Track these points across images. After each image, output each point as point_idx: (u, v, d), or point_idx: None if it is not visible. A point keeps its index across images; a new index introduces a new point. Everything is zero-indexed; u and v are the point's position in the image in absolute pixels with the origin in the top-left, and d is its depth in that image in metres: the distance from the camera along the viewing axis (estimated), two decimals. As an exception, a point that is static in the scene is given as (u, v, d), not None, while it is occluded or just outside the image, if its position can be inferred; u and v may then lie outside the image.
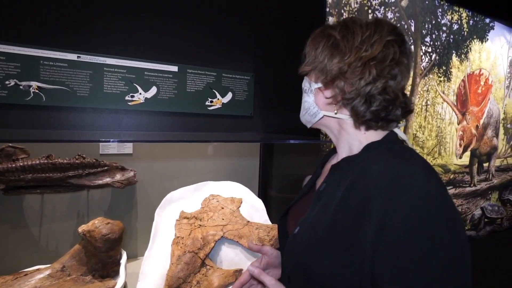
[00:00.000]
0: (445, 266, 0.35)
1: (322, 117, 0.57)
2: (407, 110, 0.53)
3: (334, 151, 0.67)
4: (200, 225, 1.08)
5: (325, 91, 0.55)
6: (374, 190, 0.42)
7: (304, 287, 0.48)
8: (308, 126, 0.61)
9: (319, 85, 0.56)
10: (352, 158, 0.53)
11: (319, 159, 0.74)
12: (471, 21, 2.12)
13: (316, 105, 0.57)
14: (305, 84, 0.59)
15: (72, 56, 1.00)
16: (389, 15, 1.71)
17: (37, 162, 0.96)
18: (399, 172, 0.41)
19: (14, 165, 0.93)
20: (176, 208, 1.13)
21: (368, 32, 0.51)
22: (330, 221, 0.47)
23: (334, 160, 0.62)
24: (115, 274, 1.02)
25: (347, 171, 0.52)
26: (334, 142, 0.60)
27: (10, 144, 0.95)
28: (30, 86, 0.95)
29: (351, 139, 0.56)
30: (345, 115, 0.55)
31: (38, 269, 0.95)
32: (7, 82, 0.93)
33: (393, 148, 0.50)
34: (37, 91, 0.96)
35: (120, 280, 0.99)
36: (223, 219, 1.10)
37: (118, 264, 1.02)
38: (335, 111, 0.55)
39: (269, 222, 1.19)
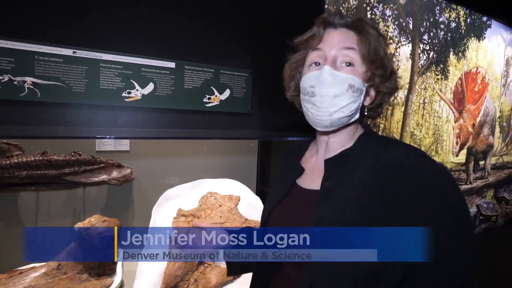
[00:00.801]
0: (469, 222, 0.51)
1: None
2: None
3: (299, 147, 0.68)
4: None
5: (369, 90, 0.55)
6: (399, 174, 0.49)
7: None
8: (330, 129, 0.56)
9: (367, 84, 0.54)
10: (348, 151, 0.56)
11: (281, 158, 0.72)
12: (468, 19, 2.13)
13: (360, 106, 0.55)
14: (356, 81, 0.52)
15: (68, 52, 0.99)
16: (388, 12, 1.71)
17: (32, 159, 0.94)
18: (419, 159, 0.50)
19: (8, 162, 0.92)
20: (173, 206, 1.13)
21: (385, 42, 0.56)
22: (359, 208, 0.50)
23: (318, 157, 0.61)
24: (111, 272, 1.01)
25: (350, 163, 0.54)
26: (331, 137, 0.59)
27: (4, 141, 0.94)
28: (24, 82, 0.94)
29: (351, 134, 0.58)
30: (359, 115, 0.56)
31: (33, 268, 0.94)
32: (0, 78, 0.91)
33: (382, 137, 0.58)
34: (31, 86, 0.95)
35: (117, 278, 0.98)
36: (221, 216, 1.10)
37: (115, 262, 1.01)
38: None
39: (267, 220, 1.19)
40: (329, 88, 0.52)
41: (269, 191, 1.43)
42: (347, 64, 0.53)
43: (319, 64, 0.54)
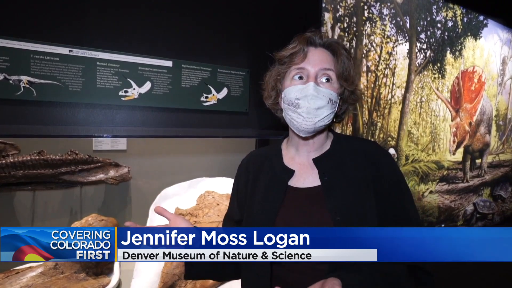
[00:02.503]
0: (410, 196, 0.67)
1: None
2: None
3: (265, 151, 0.75)
4: (195, 221, 1.07)
5: (339, 100, 0.66)
6: (370, 160, 0.65)
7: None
8: (313, 133, 0.66)
9: (339, 96, 0.65)
10: (330, 151, 0.68)
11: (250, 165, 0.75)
12: (465, 19, 2.14)
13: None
14: (333, 96, 0.63)
15: (64, 50, 0.98)
16: (385, 11, 1.72)
17: (28, 158, 0.94)
18: (376, 146, 0.69)
19: (4, 162, 0.91)
20: (170, 205, 1.13)
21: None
22: (360, 192, 0.61)
23: (301, 158, 0.68)
24: (109, 271, 1.02)
25: (334, 160, 0.66)
26: (310, 140, 0.67)
27: (0, 140, 0.93)
28: (20, 81, 0.93)
29: (325, 135, 0.69)
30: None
31: (30, 267, 0.94)
32: (-4, 76, 0.91)
33: (347, 136, 0.75)
34: (27, 85, 0.94)
35: (114, 278, 0.99)
36: (218, 215, 1.10)
37: (113, 261, 1.01)
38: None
39: (265, 218, 1.19)
40: (314, 101, 0.61)
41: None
42: (326, 80, 0.63)
43: (302, 78, 0.63)
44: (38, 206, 1.05)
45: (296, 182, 0.65)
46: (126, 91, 1.09)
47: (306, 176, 0.65)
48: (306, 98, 0.61)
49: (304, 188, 0.64)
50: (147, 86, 1.12)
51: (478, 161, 2.43)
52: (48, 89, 0.97)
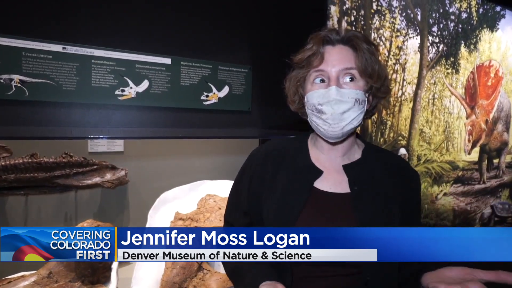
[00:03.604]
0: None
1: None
2: None
3: (284, 146, 0.72)
4: (196, 226, 1.05)
5: (368, 98, 0.63)
6: (401, 175, 0.67)
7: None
8: (342, 138, 0.63)
9: (366, 94, 0.62)
10: (361, 160, 0.66)
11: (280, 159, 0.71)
12: (480, 10, 2.06)
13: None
14: (359, 95, 0.59)
15: (57, 48, 0.95)
16: (395, 3, 1.66)
17: (21, 161, 0.92)
18: (407, 164, 0.73)
19: (-6, 165, 0.89)
20: (170, 209, 1.11)
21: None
22: (387, 206, 0.62)
23: (330, 161, 0.66)
24: (106, 280, 0.98)
25: (364, 170, 0.65)
26: (333, 144, 0.66)
27: (-9, 142, 0.91)
28: (11, 80, 0.91)
29: (353, 137, 0.67)
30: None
31: (22, 276, 0.91)
32: (-14, 76, 0.88)
33: (378, 147, 0.74)
34: (19, 85, 0.92)
35: (112, 287, 0.95)
36: (220, 220, 1.07)
37: (109, 270, 0.98)
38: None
39: (270, 223, 1.16)
40: (338, 106, 0.58)
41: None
42: (350, 79, 0.60)
43: (323, 80, 0.60)
44: (31, 211, 1.04)
45: (322, 184, 0.63)
46: (122, 90, 1.06)
47: (334, 181, 0.63)
48: (330, 103, 0.58)
49: (332, 193, 0.62)
50: (145, 84, 1.09)
51: (495, 161, 2.34)
52: (41, 88, 0.94)
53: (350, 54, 0.60)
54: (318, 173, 0.64)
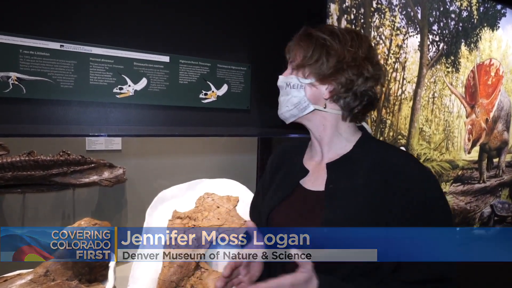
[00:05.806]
0: (449, 223, 0.58)
1: (312, 110, 0.63)
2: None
3: (295, 147, 0.75)
4: (194, 225, 1.04)
5: (319, 86, 0.62)
6: (398, 178, 0.57)
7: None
8: (291, 120, 0.66)
9: (310, 80, 0.61)
10: (349, 154, 0.63)
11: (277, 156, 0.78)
12: (481, 8, 2.05)
13: (307, 99, 0.62)
14: (292, 79, 0.63)
15: (55, 45, 0.95)
16: (395, 1, 1.66)
17: (18, 159, 0.92)
18: (410, 163, 0.59)
19: (-9, 163, 0.88)
20: (168, 208, 1.10)
21: (352, 36, 0.61)
22: (363, 208, 0.55)
23: (317, 159, 0.67)
24: (103, 278, 0.98)
25: (351, 166, 0.61)
26: (317, 137, 0.66)
27: (-12, 140, 0.91)
28: (8, 77, 0.90)
29: (337, 132, 0.64)
30: (333, 110, 0.63)
31: (19, 274, 0.91)
32: (-18, 73, 0.88)
33: (381, 141, 0.69)
34: (16, 82, 0.91)
35: (109, 285, 0.95)
36: (218, 218, 1.06)
37: (107, 268, 0.98)
38: (324, 105, 0.62)
39: (268, 222, 1.16)
40: (280, 91, 0.66)
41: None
42: (290, 68, 0.65)
43: None
44: (28, 209, 1.03)
45: (307, 183, 0.65)
46: (120, 88, 1.05)
47: (317, 179, 0.64)
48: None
49: (311, 191, 0.64)
50: (143, 82, 1.09)
51: (495, 160, 2.33)
52: (38, 86, 0.94)
53: (300, 46, 0.63)
54: (304, 171, 0.67)
